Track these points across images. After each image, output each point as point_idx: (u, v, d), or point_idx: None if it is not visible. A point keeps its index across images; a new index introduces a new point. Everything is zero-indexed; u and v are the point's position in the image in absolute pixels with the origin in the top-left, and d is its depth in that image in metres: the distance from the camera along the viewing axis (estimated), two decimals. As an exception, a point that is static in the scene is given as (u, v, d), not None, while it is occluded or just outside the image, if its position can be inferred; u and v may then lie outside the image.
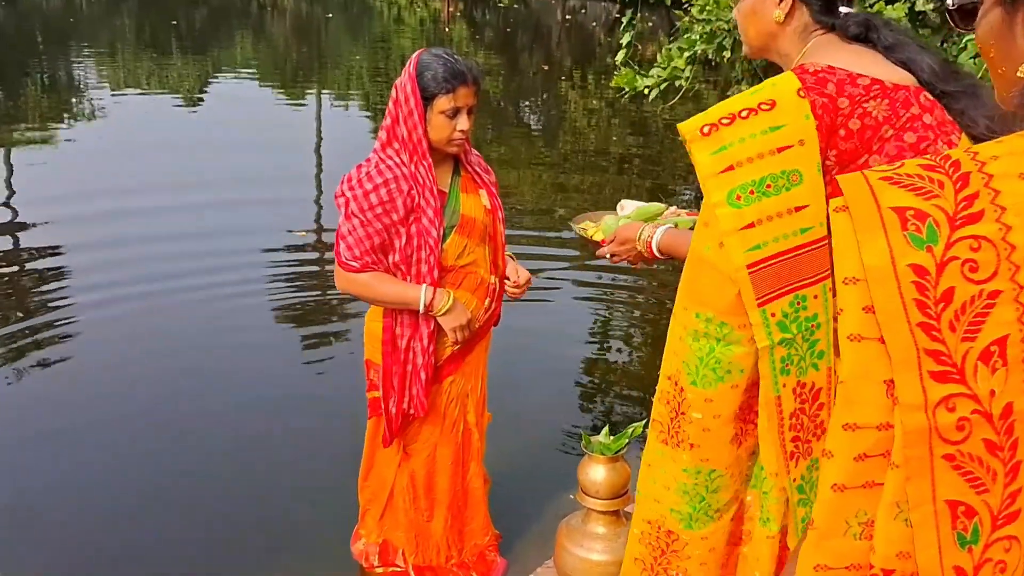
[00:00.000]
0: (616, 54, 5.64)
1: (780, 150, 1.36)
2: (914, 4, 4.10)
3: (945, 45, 4.17)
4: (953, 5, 1.03)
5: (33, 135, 8.42)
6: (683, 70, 4.98)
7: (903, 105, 1.42)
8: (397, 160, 2.19)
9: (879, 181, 0.89)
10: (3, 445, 3.36)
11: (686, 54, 4.95)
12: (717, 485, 1.52)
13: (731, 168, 1.35)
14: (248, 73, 13.38)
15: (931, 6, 4.07)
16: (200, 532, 2.93)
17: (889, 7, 3.94)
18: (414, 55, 2.20)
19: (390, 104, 2.20)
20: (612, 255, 1.90)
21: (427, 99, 2.14)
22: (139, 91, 11.14)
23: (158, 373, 3.97)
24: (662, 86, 5.05)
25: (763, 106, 1.37)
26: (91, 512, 3.01)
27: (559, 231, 6.39)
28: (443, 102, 2.14)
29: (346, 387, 3.30)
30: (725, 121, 1.37)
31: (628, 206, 2.07)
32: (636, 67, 5.31)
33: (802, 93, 1.38)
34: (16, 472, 3.20)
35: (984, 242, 0.85)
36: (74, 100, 10.28)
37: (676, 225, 1.89)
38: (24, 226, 5.91)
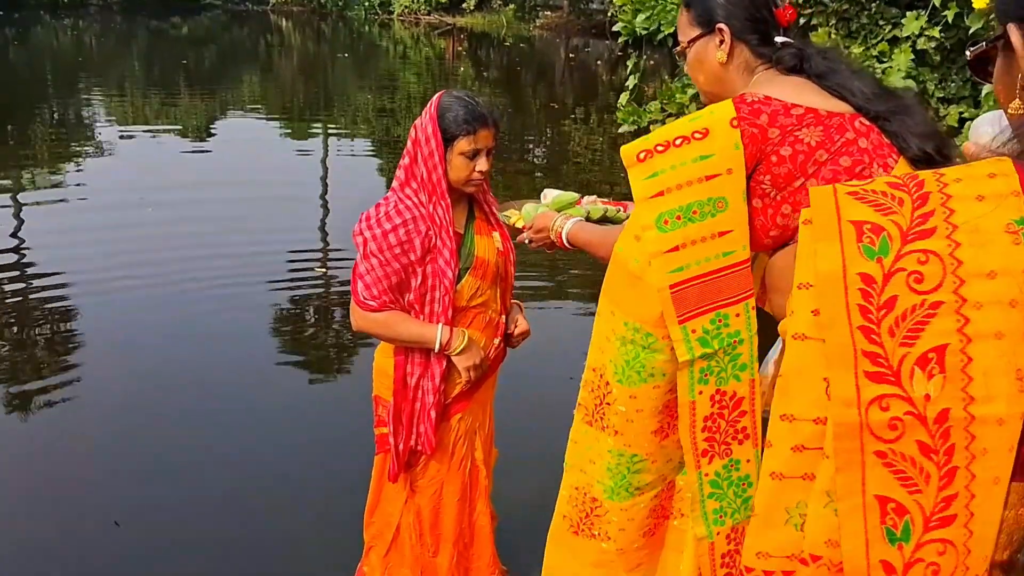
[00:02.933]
0: (619, 93, 5.71)
1: (708, 178, 1.42)
2: (915, 44, 4.17)
3: (944, 84, 4.23)
4: (970, 56, 1.06)
5: (42, 175, 8.50)
6: (687, 106, 5.05)
7: (837, 131, 1.48)
8: (415, 200, 2.21)
9: (845, 196, 0.96)
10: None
11: (691, 91, 5.02)
12: (639, 468, 1.60)
13: (661, 194, 1.43)
14: (256, 111, 13.54)
15: (932, 45, 4.14)
16: (200, 568, 2.91)
17: (896, 49, 4.01)
18: (435, 97, 2.24)
19: (409, 144, 2.23)
20: (530, 241, 2.05)
21: (447, 140, 2.17)
22: (147, 128, 11.27)
23: (163, 411, 3.97)
24: (666, 121, 5.12)
25: (696, 134, 1.44)
26: (86, 550, 2.99)
27: (563, 267, 6.42)
28: (463, 144, 2.17)
29: (352, 423, 3.31)
30: (660, 148, 1.44)
31: (549, 194, 2.22)
32: (638, 106, 5.38)
33: (735, 123, 1.45)
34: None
35: (932, 256, 0.90)
36: (83, 138, 10.39)
37: (588, 215, 2.01)
38: (31, 264, 5.95)
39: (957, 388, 0.89)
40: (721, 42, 1.58)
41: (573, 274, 6.44)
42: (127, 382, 4.24)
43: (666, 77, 9.34)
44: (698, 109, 5.01)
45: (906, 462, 0.91)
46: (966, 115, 4.09)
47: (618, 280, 1.56)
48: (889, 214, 0.93)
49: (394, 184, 2.27)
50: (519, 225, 2.12)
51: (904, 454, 0.91)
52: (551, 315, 5.55)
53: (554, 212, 2.03)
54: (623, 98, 5.29)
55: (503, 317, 2.45)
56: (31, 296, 5.37)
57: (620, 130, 5.35)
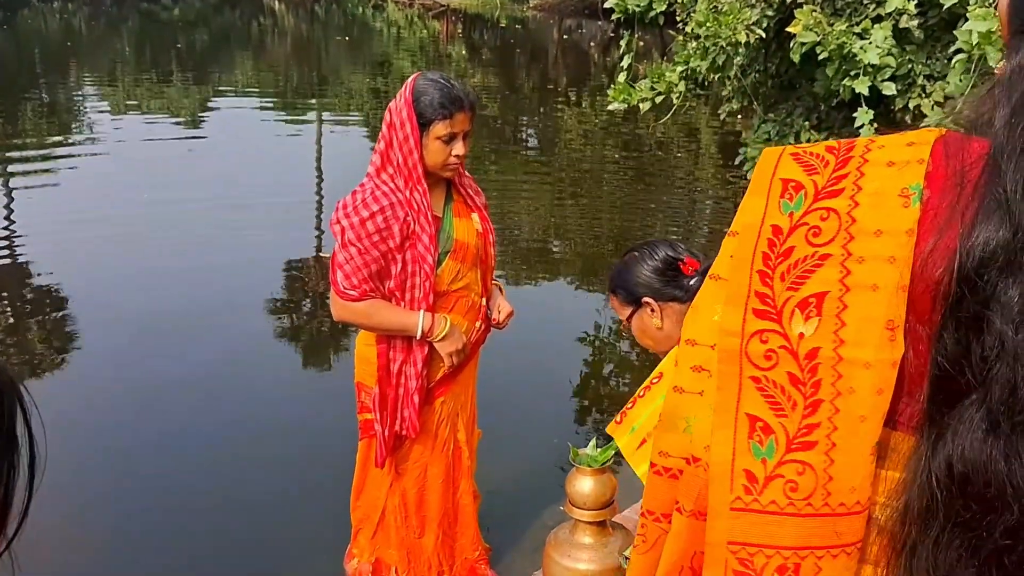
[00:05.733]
0: (612, 73, 5.71)
1: None
2: (898, 22, 4.17)
3: (930, 62, 4.24)
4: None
5: (32, 161, 8.48)
6: (676, 84, 5.05)
7: None
8: (392, 186, 2.17)
9: (788, 156, 1.06)
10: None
11: (679, 68, 5.03)
12: None
13: (644, 442, 1.58)
14: (249, 94, 13.49)
15: (915, 23, 4.14)
16: (192, 555, 2.95)
17: (875, 26, 4.01)
18: (410, 79, 2.19)
19: (384, 128, 2.18)
20: None
21: (423, 124, 2.13)
22: (140, 114, 11.23)
23: (149, 393, 4.01)
24: (657, 100, 5.12)
25: (654, 380, 1.61)
26: (80, 537, 3.02)
27: (553, 245, 6.45)
28: (439, 128, 2.13)
29: (337, 409, 3.34)
30: (629, 406, 1.62)
31: None
32: (631, 85, 5.38)
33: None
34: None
35: (832, 213, 1.00)
36: (73, 124, 10.36)
37: None
38: (21, 253, 5.95)
39: (830, 331, 1.00)
40: (652, 311, 1.77)
41: (555, 254, 6.47)
42: (115, 367, 4.26)
43: (657, 58, 9.32)
44: (687, 88, 4.95)
45: (776, 388, 1.03)
46: (950, 91, 4.10)
47: None
48: (813, 174, 1.03)
49: (369, 170, 2.23)
50: None
51: (776, 382, 1.03)
52: (532, 292, 5.57)
53: None
54: (620, 78, 5.29)
55: (484, 300, 2.45)
56: (25, 281, 5.38)
57: (610, 107, 5.36)
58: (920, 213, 0.95)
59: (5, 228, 6.38)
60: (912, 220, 0.96)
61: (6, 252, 5.92)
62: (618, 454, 2.50)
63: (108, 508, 3.18)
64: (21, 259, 5.82)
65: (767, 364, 1.03)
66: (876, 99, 3.92)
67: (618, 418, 1.64)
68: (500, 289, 2.54)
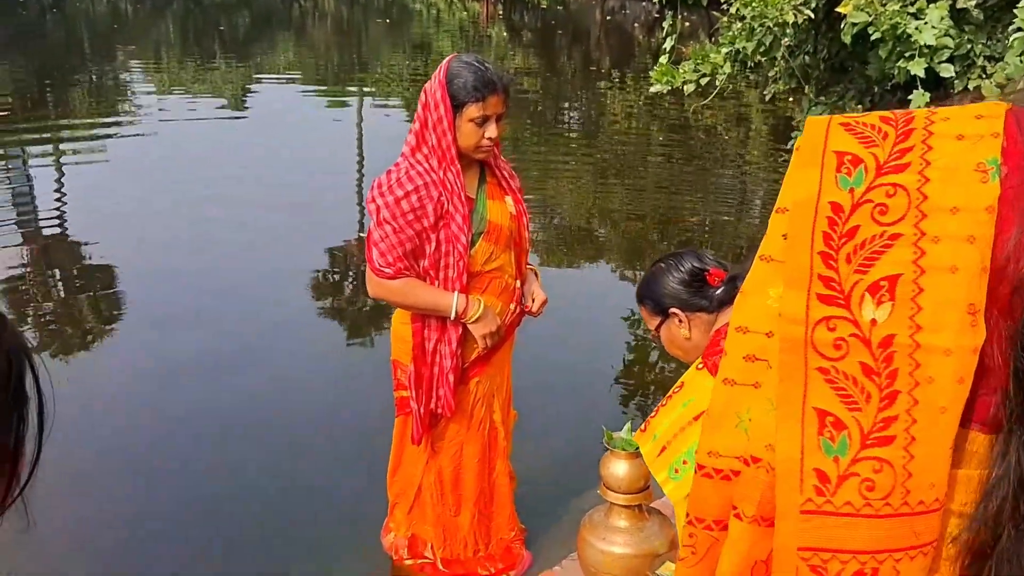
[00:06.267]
0: (656, 55, 5.63)
1: (696, 419, 1.58)
2: (955, 2, 4.05)
3: (990, 43, 4.11)
4: None
5: (82, 140, 8.64)
6: (721, 66, 4.96)
7: None
8: (426, 166, 2.20)
9: (837, 126, 0.99)
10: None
11: (724, 50, 4.94)
12: None
13: (664, 449, 1.59)
14: (291, 77, 13.59)
15: (973, 3, 4.01)
16: (232, 524, 3.01)
17: (931, 6, 3.90)
18: (444, 61, 2.22)
19: (419, 108, 2.21)
20: None
21: (456, 107, 2.15)
22: (185, 95, 11.37)
23: (192, 371, 4.06)
24: (702, 82, 5.04)
25: (675, 390, 1.63)
26: (119, 503, 3.09)
27: (597, 226, 6.40)
28: (473, 110, 2.15)
29: (376, 386, 3.36)
30: (653, 415, 1.65)
31: None
32: (675, 67, 5.30)
33: (699, 364, 1.65)
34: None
35: (900, 189, 0.93)
36: (121, 105, 10.53)
37: None
38: (71, 233, 6.07)
39: (905, 316, 0.93)
40: (680, 321, 1.81)
41: (599, 235, 6.43)
42: (160, 346, 4.33)
43: (703, 38, 9.17)
44: (732, 68, 4.86)
45: (847, 380, 0.96)
46: (1010, 72, 3.97)
47: None
48: (871, 146, 0.96)
49: (404, 149, 2.25)
50: None
51: (847, 373, 0.96)
52: (574, 274, 5.53)
53: None
54: (662, 60, 5.21)
55: (519, 282, 2.45)
56: (75, 258, 5.50)
57: (652, 90, 5.28)
58: (1001, 190, 0.89)
59: (57, 202, 6.52)
60: (992, 197, 0.89)
61: (57, 226, 6.05)
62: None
63: (143, 478, 3.24)
64: (71, 235, 5.95)
65: (836, 354, 0.96)
66: (932, 81, 3.80)
67: (643, 426, 1.68)
68: (535, 274, 2.53)
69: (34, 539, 2.69)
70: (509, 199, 2.38)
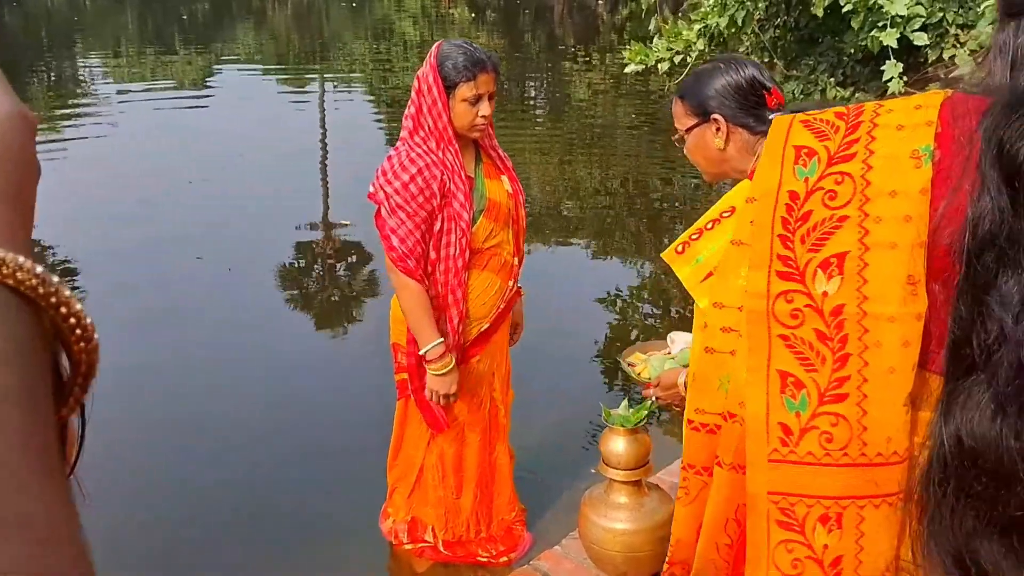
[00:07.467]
0: (621, 31, 5.62)
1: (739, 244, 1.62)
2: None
3: (962, 11, 4.14)
4: None
5: (41, 131, 8.46)
6: (694, 43, 4.98)
7: None
8: (425, 148, 2.24)
9: (798, 123, 1.11)
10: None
11: (697, 27, 4.95)
12: None
13: (710, 275, 1.54)
14: (252, 63, 13.39)
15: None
16: (229, 512, 3.00)
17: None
18: (434, 46, 2.26)
19: (413, 94, 2.26)
20: (657, 398, 1.96)
21: (449, 88, 2.20)
22: (145, 86, 11.17)
23: (180, 359, 4.03)
24: (676, 60, 5.05)
25: (724, 214, 1.57)
26: (120, 488, 3.04)
27: (566, 207, 6.41)
28: (465, 90, 2.20)
29: (374, 369, 3.36)
30: (695, 237, 1.58)
31: (678, 340, 2.08)
32: (643, 43, 5.31)
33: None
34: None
35: (847, 177, 1.05)
36: (80, 97, 10.32)
37: None
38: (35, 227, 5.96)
39: (853, 288, 1.05)
40: (718, 129, 1.65)
41: (568, 216, 6.45)
42: (130, 339, 4.28)
43: (667, 13, 9.17)
44: (705, 46, 4.87)
45: (804, 345, 1.09)
46: (983, 40, 4.02)
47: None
48: (824, 140, 1.08)
49: (403, 134, 2.29)
50: (644, 377, 2.01)
51: (804, 339, 1.09)
52: (546, 256, 5.55)
53: (680, 368, 1.90)
54: (652, 24, 5.20)
55: (516, 260, 2.48)
56: (37, 260, 5.40)
57: (628, 70, 5.29)
58: (933, 173, 1.00)
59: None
60: (925, 180, 1.00)
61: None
62: (650, 415, 2.51)
63: (140, 464, 3.21)
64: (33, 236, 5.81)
65: (794, 323, 1.09)
66: (905, 51, 3.84)
67: (679, 247, 1.57)
68: (519, 297, 2.58)
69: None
70: (505, 178, 2.42)
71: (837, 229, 1.05)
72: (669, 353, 2.06)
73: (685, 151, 1.75)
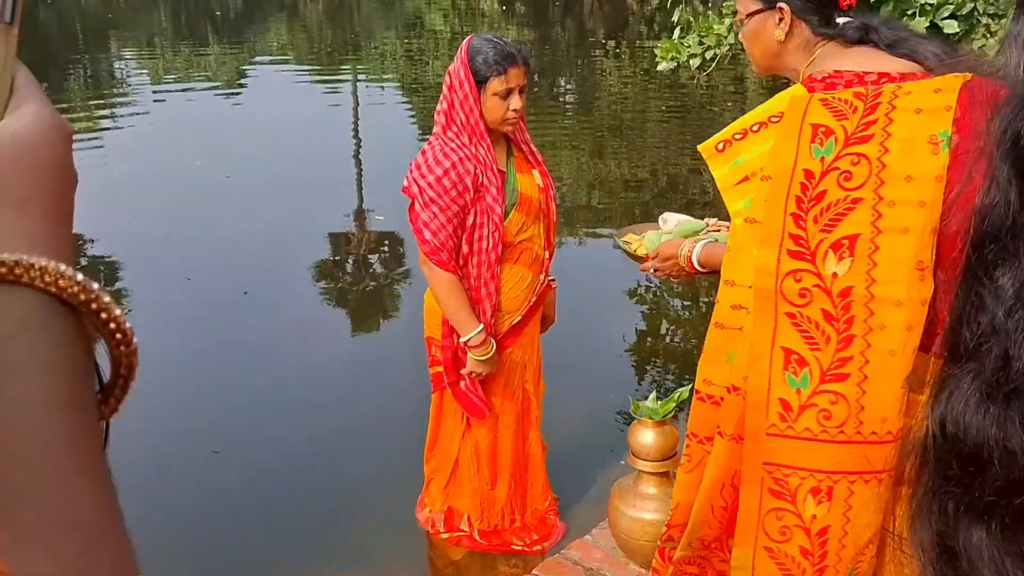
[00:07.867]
0: (651, 22, 5.61)
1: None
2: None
3: (992, 1, 4.08)
4: None
5: (78, 129, 8.62)
6: (725, 36, 4.94)
7: None
8: (458, 142, 2.27)
9: (816, 101, 1.12)
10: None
11: (728, 20, 4.91)
12: None
13: (746, 179, 1.47)
14: (285, 57, 13.51)
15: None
16: (269, 501, 3.07)
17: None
18: (464, 41, 2.29)
19: (445, 89, 2.29)
20: (655, 270, 1.93)
21: (480, 82, 2.23)
22: (180, 82, 11.33)
23: (223, 350, 4.13)
24: (707, 55, 5.02)
25: (773, 119, 1.47)
26: (161, 473, 3.14)
27: (596, 198, 6.42)
28: (495, 84, 2.22)
29: (410, 362, 3.42)
30: (738, 136, 1.47)
31: (670, 219, 2.06)
32: (669, 36, 5.29)
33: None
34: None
35: (863, 159, 1.05)
36: (115, 93, 10.49)
37: (716, 240, 1.88)
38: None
39: (862, 271, 1.06)
40: (780, 20, 1.54)
41: (599, 207, 6.46)
42: (169, 333, 4.38)
43: (697, 4, 9.12)
44: (736, 38, 4.85)
45: (811, 324, 1.10)
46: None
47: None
48: (842, 119, 1.08)
49: (436, 130, 2.33)
50: (641, 253, 1.99)
51: (810, 317, 1.10)
52: (576, 248, 5.57)
53: (680, 239, 1.89)
54: (676, 32, 5.18)
55: (547, 253, 2.51)
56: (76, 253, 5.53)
57: (659, 68, 5.27)
58: (949, 159, 1.00)
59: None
60: (941, 166, 1.01)
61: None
62: (678, 407, 2.55)
63: (182, 448, 3.32)
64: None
65: (802, 301, 1.10)
66: (937, 39, 3.80)
67: (719, 144, 1.48)
68: (552, 289, 2.61)
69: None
70: (536, 172, 2.45)
71: (851, 211, 1.06)
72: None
73: (740, 36, 1.66)
